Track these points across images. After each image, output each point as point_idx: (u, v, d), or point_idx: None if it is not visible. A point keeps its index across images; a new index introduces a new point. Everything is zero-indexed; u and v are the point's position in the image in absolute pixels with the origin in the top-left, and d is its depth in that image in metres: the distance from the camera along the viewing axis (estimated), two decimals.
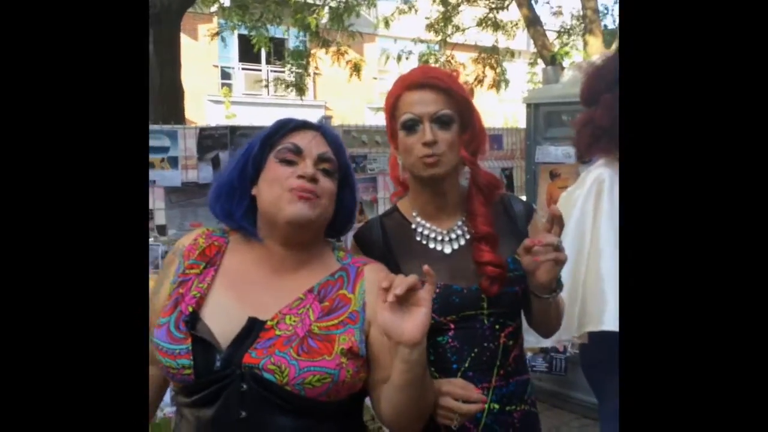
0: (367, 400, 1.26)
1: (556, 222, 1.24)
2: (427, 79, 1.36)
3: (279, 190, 1.17)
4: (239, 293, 1.18)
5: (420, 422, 1.19)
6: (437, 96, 1.34)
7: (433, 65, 8.16)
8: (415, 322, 1.02)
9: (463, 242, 1.40)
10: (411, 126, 1.34)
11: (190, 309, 1.14)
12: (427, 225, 1.42)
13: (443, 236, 1.40)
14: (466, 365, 1.34)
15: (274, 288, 1.19)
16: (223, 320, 1.13)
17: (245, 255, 1.24)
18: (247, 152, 1.25)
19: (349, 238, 1.48)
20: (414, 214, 1.44)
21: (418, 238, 1.41)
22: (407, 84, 1.37)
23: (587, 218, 1.94)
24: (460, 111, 1.36)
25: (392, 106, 1.40)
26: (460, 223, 1.42)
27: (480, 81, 9.73)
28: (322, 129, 1.28)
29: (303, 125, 1.27)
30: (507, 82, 9.98)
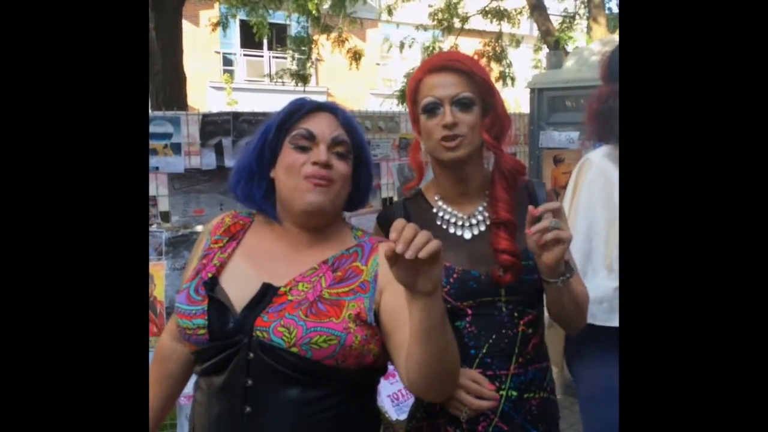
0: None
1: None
2: (448, 62, 1.36)
3: (295, 179, 1.21)
4: (257, 263, 1.23)
5: (446, 382, 1.15)
6: (458, 79, 1.34)
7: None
8: (428, 275, 0.99)
9: (483, 228, 1.39)
10: (432, 109, 1.34)
11: (210, 275, 1.20)
12: (449, 210, 1.41)
13: (464, 221, 1.40)
14: (484, 351, 1.33)
15: (291, 260, 1.23)
16: (239, 286, 1.19)
17: (266, 233, 1.29)
18: (263, 137, 1.27)
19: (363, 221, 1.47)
20: (436, 198, 1.44)
21: (439, 223, 1.41)
22: (428, 68, 1.38)
23: (566, 199, 1.92)
24: (481, 94, 1.36)
25: (414, 91, 1.40)
26: (481, 208, 1.41)
27: None
28: (334, 110, 1.29)
29: (316, 107, 1.28)
30: (513, 78, 9.86)
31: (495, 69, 9.81)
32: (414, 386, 1.14)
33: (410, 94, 1.41)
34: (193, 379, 1.30)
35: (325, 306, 1.14)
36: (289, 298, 1.16)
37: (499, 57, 9.91)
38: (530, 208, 1.22)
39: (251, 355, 1.12)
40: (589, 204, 1.80)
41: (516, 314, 1.36)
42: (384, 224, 1.44)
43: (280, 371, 1.11)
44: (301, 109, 1.26)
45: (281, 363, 1.11)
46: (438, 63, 1.37)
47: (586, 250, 1.78)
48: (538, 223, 1.19)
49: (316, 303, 1.14)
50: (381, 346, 1.18)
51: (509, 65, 9.94)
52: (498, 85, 10.19)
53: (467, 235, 1.39)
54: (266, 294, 1.16)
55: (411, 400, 1.47)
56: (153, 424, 1.34)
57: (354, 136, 1.28)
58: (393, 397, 2.83)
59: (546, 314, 1.42)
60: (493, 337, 1.34)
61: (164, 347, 1.35)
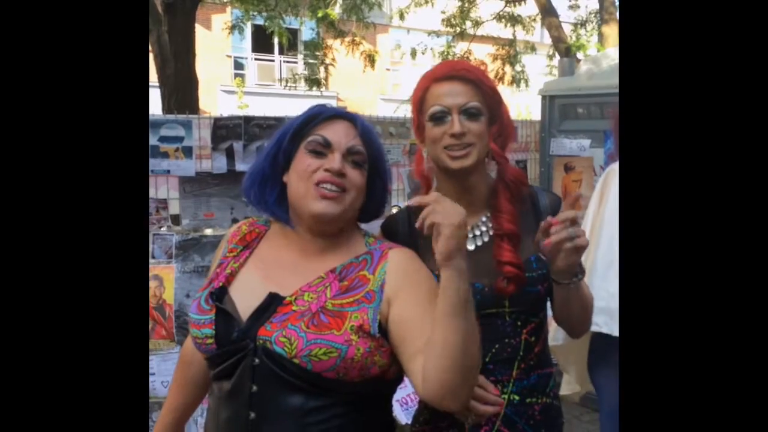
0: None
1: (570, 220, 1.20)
2: (456, 71, 1.35)
3: (306, 184, 1.20)
4: (266, 272, 1.24)
5: (464, 383, 1.10)
6: (466, 88, 1.34)
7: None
8: (438, 243, 1.08)
9: (486, 239, 1.38)
10: (440, 117, 1.34)
11: (220, 284, 1.22)
12: None
13: (467, 232, 1.38)
14: (487, 359, 1.33)
15: (300, 269, 1.22)
16: (247, 295, 1.19)
17: (279, 241, 1.29)
18: (279, 141, 1.26)
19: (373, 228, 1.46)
20: None
21: None
22: (435, 76, 1.37)
23: (590, 210, 1.91)
24: (488, 103, 1.36)
25: (420, 99, 1.39)
26: (484, 219, 1.39)
27: (500, 78, 9.63)
28: (353, 119, 1.27)
29: (334, 115, 1.26)
30: (527, 80, 9.87)
31: (508, 72, 9.81)
32: (430, 388, 1.08)
33: (416, 102, 1.40)
34: None
35: (327, 317, 1.12)
36: (294, 308, 1.15)
37: (513, 61, 9.91)
38: (549, 218, 1.21)
39: (256, 360, 1.12)
40: (616, 214, 1.80)
41: (519, 323, 1.35)
42: (387, 232, 1.42)
43: (284, 378, 1.11)
44: (319, 116, 1.25)
45: (284, 370, 1.11)
46: (445, 72, 1.36)
47: (608, 260, 1.78)
48: (557, 233, 1.18)
49: (319, 314, 1.13)
50: (389, 357, 1.15)
51: (523, 68, 9.94)
52: (511, 89, 10.19)
53: (470, 246, 1.37)
54: (271, 304, 1.16)
55: None
56: (176, 427, 1.37)
57: (371, 147, 1.26)
58: (402, 401, 2.82)
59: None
60: (497, 346, 1.34)
61: (187, 353, 1.37)
